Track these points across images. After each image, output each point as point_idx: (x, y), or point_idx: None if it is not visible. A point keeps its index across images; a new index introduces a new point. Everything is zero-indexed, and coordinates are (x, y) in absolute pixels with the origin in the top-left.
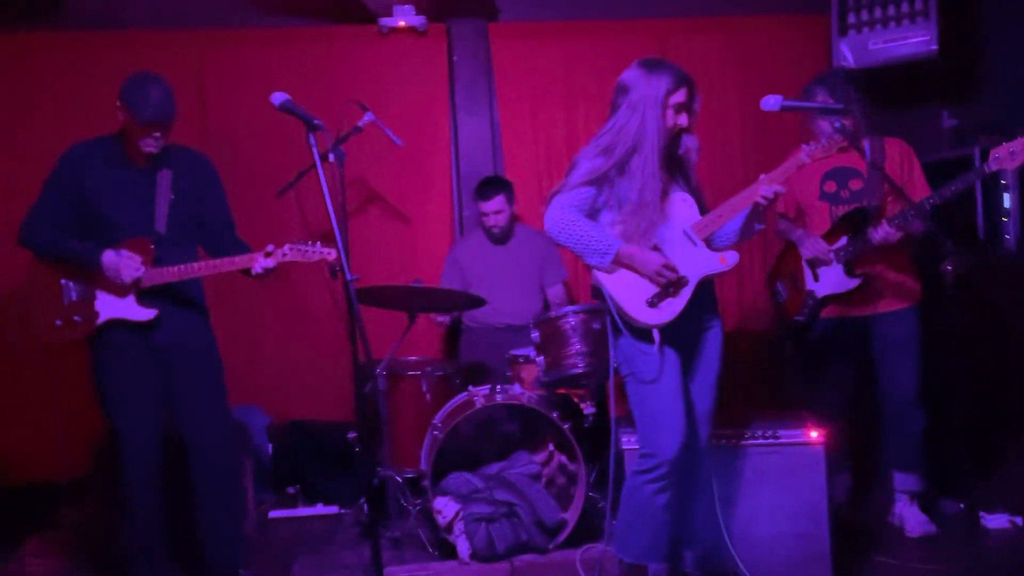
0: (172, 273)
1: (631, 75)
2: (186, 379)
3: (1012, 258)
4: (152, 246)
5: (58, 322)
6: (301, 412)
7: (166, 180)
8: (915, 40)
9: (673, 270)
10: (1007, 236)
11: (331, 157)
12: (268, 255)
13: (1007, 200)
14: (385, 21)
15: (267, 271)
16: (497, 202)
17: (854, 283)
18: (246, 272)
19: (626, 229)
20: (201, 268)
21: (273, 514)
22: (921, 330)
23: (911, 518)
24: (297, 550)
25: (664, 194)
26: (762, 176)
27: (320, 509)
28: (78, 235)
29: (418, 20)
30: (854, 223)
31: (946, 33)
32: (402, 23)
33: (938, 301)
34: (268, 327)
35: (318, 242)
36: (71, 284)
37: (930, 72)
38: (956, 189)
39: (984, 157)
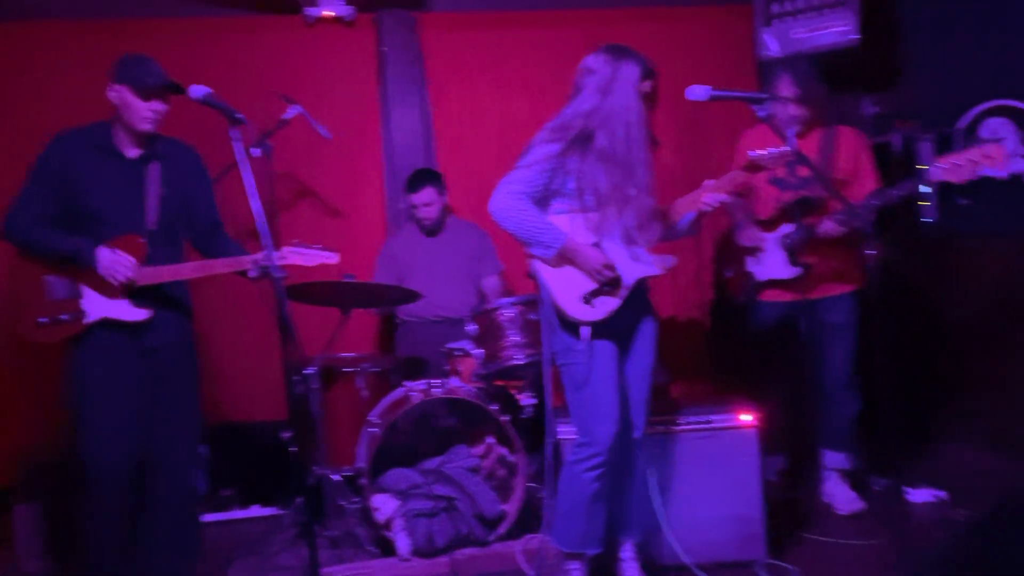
0: (166, 273)
1: (597, 59)
2: (171, 384)
3: (932, 240)
4: (145, 244)
5: (42, 320)
6: (233, 413)
7: (156, 173)
8: (836, 29)
9: (612, 270)
10: (928, 218)
11: (257, 151)
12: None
13: (925, 187)
14: (311, 11)
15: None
16: (427, 194)
17: (795, 272)
18: (242, 274)
19: (598, 222)
20: (195, 268)
21: (207, 518)
22: (859, 315)
23: (840, 495)
24: (233, 553)
25: (649, 188)
26: (707, 182)
27: (256, 511)
28: (65, 230)
29: (345, 10)
30: (798, 211)
31: (866, 22)
32: (329, 13)
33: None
34: (198, 325)
35: (318, 245)
36: (56, 280)
37: (852, 60)
38: (899, 195)
39: (906, 146)
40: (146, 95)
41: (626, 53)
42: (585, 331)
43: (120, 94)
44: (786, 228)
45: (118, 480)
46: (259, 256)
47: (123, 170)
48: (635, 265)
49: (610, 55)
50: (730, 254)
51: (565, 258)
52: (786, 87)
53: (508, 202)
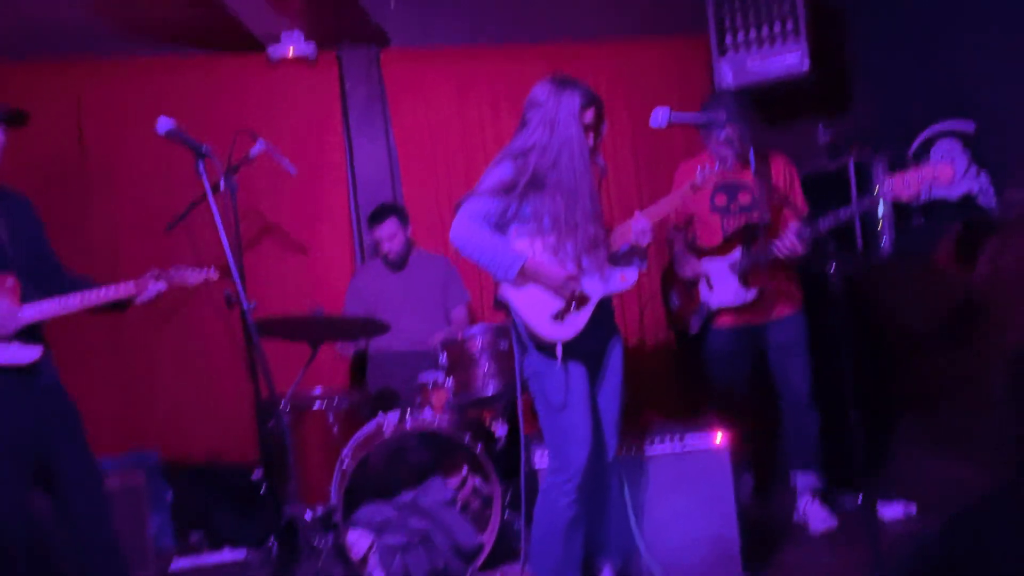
0: (53, 307)
1: (542, 90)
2: (63, 432)
3: (887, 261)
4: (18, 281)
5: None
6: (202, 454)
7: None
8: (788, 58)
9: (577, 282)
10: (884, 237)
11: (222, 186)
12: (157, 278)
13: (880, 209)
14: (273, 49)
15: (159, 294)
16: (389, 226)
17: (750, 296)
18: (120, 307)
19: (554, 245)
20: (84, 299)
21: (176, 564)
22: (809, 333)
23: (814, 514)
24: None
25: (594, 214)
26: (636, 213)
27: (227, 555)
28: None
29: (307, 48)
30: (747, 236)
31: (816, 52)
32: (291, 51)
33: (825, 301)
34: (162, 366)
35: (195, 266)
36: None
37: (805, 89)
38: (849, 214)
39: (858, 171)
40: None
41: (567, 84)
42: (559, 350)
43: None
44: (735, 254)
45: (14, 546)
46: (142, 279)
47: None
48: (597, 283)
49: (553, 86)
50: (675, 284)
51: (529, 279)
52: (724, 144)
53: (465, 228)
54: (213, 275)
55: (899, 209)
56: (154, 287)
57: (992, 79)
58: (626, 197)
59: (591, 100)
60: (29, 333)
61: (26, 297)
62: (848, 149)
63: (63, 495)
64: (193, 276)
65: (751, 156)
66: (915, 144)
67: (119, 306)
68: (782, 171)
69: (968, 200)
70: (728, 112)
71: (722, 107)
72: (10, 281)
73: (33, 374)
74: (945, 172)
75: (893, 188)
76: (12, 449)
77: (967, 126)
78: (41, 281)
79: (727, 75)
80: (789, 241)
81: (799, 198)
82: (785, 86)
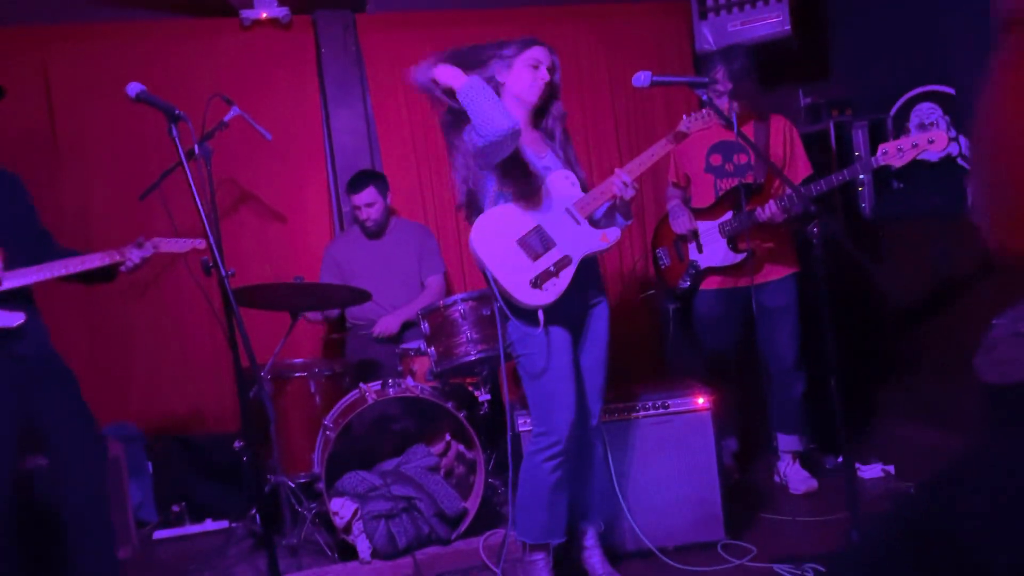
0: (36, 273)
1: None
2: (53, 396)
3: (868, 224)
4: (2, 249)
5: None
6: (181, 426)
7: None
8: (770, 21)
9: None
10: (863, 205)
11: (196, 150)
12: (140, 245)
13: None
14: (247, 13)
15: (144, 260)
16: (368, 194)
17: (738, 258)
18: (106, 275)
19: (516, 191)
20: (67, 265)
21: (158, 535)
22: (799, 298)
23: (794, 476)
24: (187, 568)
25: (541, 159)
26: (616, 170)
27: (209, 525)
28: None
29: (281, 12)
30: (738, 198)
31: (798, 14)
32: (264, 15)
33: (807, 262)
34: (139, 338)
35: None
36: None
37: (785, 52)
38: (843, 179)
39: (840, 135)
40: None
41: (504, 42)
42: (541, 316)
43: None
44: (726, 215)
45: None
46: (126, 247)
47: None
48: (580, 241)
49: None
50: (665, 243)
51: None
52: (721, 82)
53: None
54: (200, 245)
55: (878, 173)
56: (138, 254)
57: (970, 42)
58: (606, 161)
59: (527, 42)
60: (13, 299)
61: (11, 265)
62: (828, 113)
63: (56, 458)
64: (180, 245)
65: (733, 115)
66: (895, 107)
67: (107, 275)
68: (781, 132)
69: (947, 162)
70: (737, 71)
71: (731, 63)
72: None
73: (16, 338)
74: (939, 137)
75: (887, 153)
76: None
77: (947, 89)
78: (28, 252)
79: (708, 38)
80: (769, 209)
81: (801, 159)
82: (766, 49)
